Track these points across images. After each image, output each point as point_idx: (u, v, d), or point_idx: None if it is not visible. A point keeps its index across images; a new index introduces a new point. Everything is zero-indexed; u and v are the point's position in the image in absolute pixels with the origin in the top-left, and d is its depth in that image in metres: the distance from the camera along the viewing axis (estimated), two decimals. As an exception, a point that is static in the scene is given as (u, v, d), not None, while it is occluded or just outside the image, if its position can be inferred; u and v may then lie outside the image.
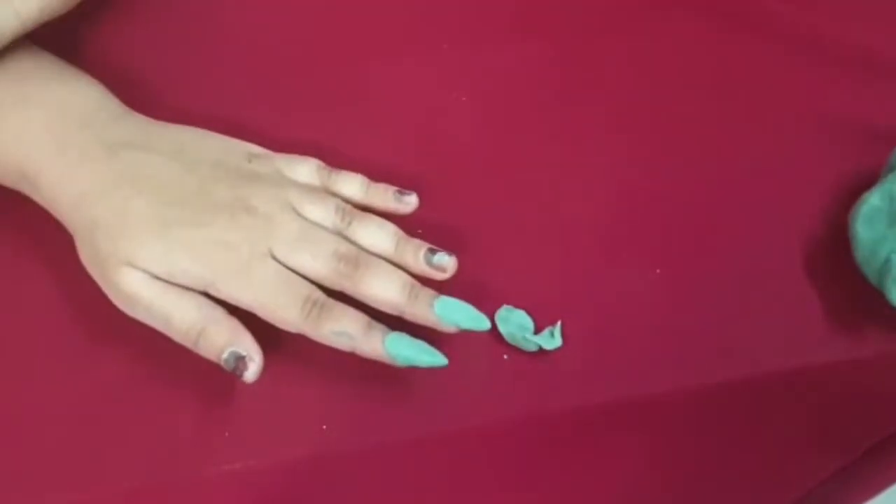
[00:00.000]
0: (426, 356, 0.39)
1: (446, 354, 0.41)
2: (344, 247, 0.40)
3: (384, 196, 0.43)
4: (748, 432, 0.43)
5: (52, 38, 0.43)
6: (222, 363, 0.38)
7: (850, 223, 0.45)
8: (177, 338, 0.39)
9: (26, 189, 0.40)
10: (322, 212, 0.41)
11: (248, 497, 0.39)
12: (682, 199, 0.47)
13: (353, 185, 0.43)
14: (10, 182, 0.41)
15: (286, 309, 0.38)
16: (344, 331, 0.39)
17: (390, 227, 0.41)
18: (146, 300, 0.38)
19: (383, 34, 0.50)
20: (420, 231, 0.44)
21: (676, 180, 0.48)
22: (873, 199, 0.44)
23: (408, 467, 0.41)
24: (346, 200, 0.42)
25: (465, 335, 0.40)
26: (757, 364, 0.44)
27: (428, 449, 0.41)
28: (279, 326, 0.39)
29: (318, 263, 0.39)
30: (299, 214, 0.40)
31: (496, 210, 0.46)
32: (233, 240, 0.39)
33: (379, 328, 0.39)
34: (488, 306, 0.43)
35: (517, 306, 0.44)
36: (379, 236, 0.41)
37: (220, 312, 0.39)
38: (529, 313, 0.43)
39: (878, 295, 0.44)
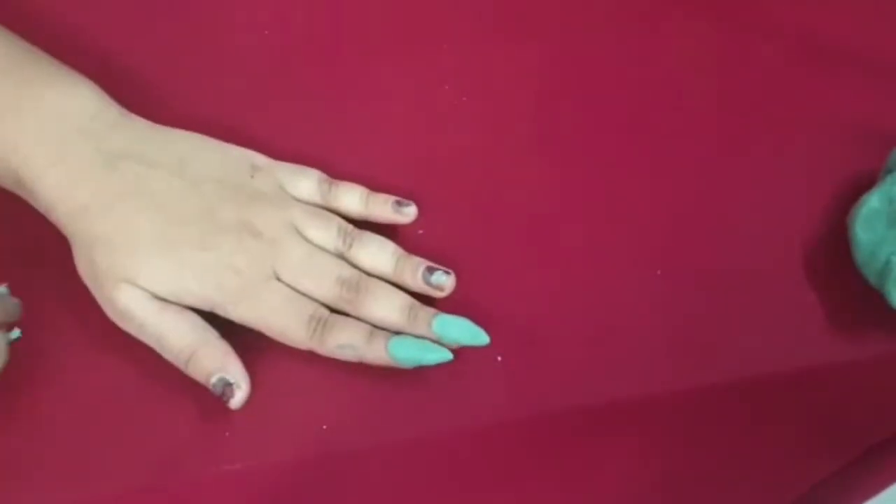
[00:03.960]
0: (431, 353, 0.40)
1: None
2: (346, 272, 0.41)
3: (384, 207, 0.44)
4: (748, 432, 0.43)
5: (51, 39, 0.43)
6: (210, 387, 0.39)
7: (849, 226, 0.45)
8: (168, 357, 0.39)
9: (24, 195, 0.40)
10: (324, 234, 0.42)
11: (248, 497, 0.39)
12: (682, 199, 0.47)
13: (353, 197, 0.43)
14: (7, 186, 0.41)
15: (293, 330, 0.40)
16: (348, 343, 0.40)
17: (390, 247, 0.42)
18: (139, 319, 0.39)
19: (384, 34, 0.50)
20: (421, 231, 0.44)
21: (677, 181, 0.48)
22: (872, 202, 0.44)
23: (407, 467, 0.41)
24: (347, 212, 0.43)
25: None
26: (757, 364, 0.44)
27: (427, 449, 0.41)
28: (286, 344, 0.40)
29: (322, 289, 0.40)
30: (302, 236, 0.41)
31: (496, 209, 0.46)
32: (240, 264, 0.39)
33: (381, 335, 0.40)
34: (489, 304, 0.43)
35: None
36: (379, 257, 0.42)
37: (212, 335, 0.40)
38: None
39: (878, 296, 0.44)
